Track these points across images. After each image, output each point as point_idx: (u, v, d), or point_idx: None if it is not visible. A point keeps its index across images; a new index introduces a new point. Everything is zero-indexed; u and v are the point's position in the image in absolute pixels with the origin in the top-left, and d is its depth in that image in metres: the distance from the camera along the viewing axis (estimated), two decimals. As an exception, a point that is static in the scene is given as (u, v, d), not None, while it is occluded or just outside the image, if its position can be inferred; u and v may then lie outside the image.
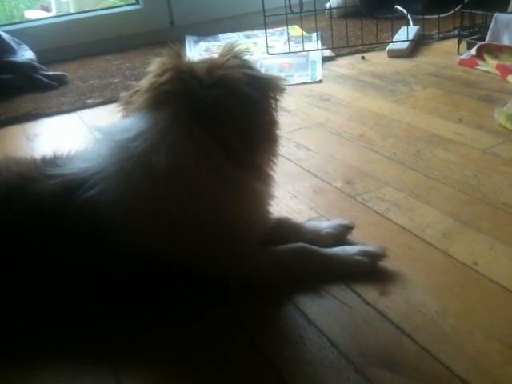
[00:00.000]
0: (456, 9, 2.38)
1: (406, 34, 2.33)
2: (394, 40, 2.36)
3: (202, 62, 0.95)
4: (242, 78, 0.90)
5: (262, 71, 0.99)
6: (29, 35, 2.64)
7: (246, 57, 0.96)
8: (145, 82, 0.93)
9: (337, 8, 2.86)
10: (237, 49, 0.95)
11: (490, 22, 2.07)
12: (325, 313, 0.89)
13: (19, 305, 0.94)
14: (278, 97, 0.96)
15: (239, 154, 0.91)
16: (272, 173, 0.99)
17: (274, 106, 0.96)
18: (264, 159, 0.97)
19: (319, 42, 2.49)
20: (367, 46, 2.42)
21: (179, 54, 0.94)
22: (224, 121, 0.90)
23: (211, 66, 0.91)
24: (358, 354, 0.80)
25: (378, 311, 0.88)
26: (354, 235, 1.07)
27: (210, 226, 0.91)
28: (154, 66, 0.93)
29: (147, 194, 0.88)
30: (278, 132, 0.98)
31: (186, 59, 0.95)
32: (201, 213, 0.90)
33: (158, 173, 0.85)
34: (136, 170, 0.87)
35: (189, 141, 0.87)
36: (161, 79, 0.90)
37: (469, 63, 2.04)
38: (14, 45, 2.47)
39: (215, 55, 0.98)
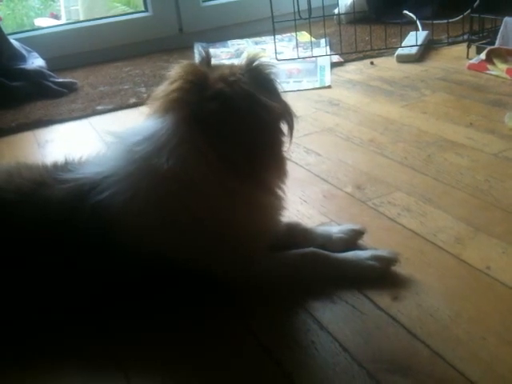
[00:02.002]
0: (465, 13, 2.37)
1: (414, 39, 2.33)
2: (402, 45, 2.35)
3: (219, 69, 0.95)
4: (242, 94, 0.90)
5: (279, 88, 0.98)
6: (39, 43, 2.66)
7: (266, 70, 0.95)
8: (160, 88, 0.95)
9: (345, 14, 2.85)
10: (255, 63, 0.95)
11: (500, 26, 2.07)
12: (337, 318, 0.88)
13: (30, 306, 0.95)
14: (284, 120, 0.97)
15: (238, 165, 0.92)
16: (280, 186, 0.99)
17: (277, 127, 0.96)
18: (269, 174, 0.97)
19: (328, 47, 2.49)
20: (376, 52, 2.41)
21: (201, 60, 0.97)
22: (221, 133, 0.91)
23: (219, 77, 0.92)
24: (371, 360, 0.80)
25: (391, 316, 0.87)
26: (365, 240, 1.07)
27: (215, 230, 0.92)
28: (172, 72, 0.94)
29: (154, 197, 0.90)
30: (281, 152, 0.98)
31: (204, 67, 0.95)
32: (205, 215, 0.91)
33: (161, 176, 0.87)
34: (143, 174, 0.89)
35: (189, 147, 0.89)
36: (171, 87, 0.92)
37: (478, 68, 2.04)
38: (24, 52, 2.49)
39: (235, 63, 0.99)
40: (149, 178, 0.89)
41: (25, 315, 0.95)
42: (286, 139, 0.99)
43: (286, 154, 1.00)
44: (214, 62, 0.98)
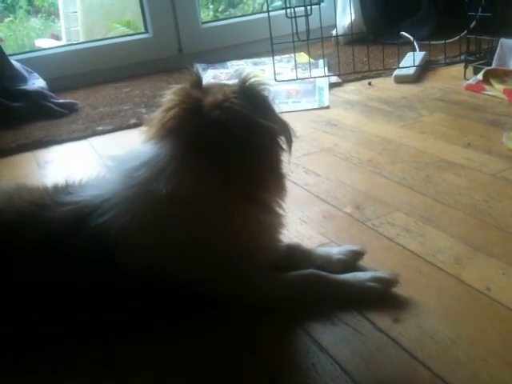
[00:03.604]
0: (462, 34, 2.39)
1: (412, 59, 2.35)
2: (400, 66, 2.37)
3: (212, 92, 0.96)
4: (239, 119, 0.91)
5: (275, 107, 0.99)
6: (39, 64, 2.69)
7: (259, 89, 0.96)
8: (156, 115, 0.96)
9: (343, 35, 2.89)
10: (247, 83, 0.95)
11: (496, 47, 2.09)
12: (337, 340, 0.88)
13: (31, 321, 0.95)
14: (280, 139, 0.98)
15: (238, 187, 0.93)
16: (279, 204, 1.00)
17: (276, 145, 0.97)
18: (268, 193, 0.98)
19: (326, 68, 2.51)
20: (374, 72, 2.44)
21: (192, 84, 0.97)
22: (220, 158, 0.92)
23: (214, 103, 0.92)
24: (372, 382, 0.79)
25: (391, 338, 0.87)
26: (364, 260, 1.07)
27: (214, 249, 0.92)
28: (166, 98, 0.95)
29: (154, 218, 0.91)
30: (280, 170, 0.99)
31: (196, 91, 0.96)
32: (204, 235, 0.92)
33: (160, 199, 0.88)
34: (142, 198, 0.90)
35: (188, 172, 0.90)
36: (167, 115, 0.93)
37: (475, 88, 2.06)
38: (25, 73, 2.50)
39: (229, 83, 1.00)
40: (148, 201, 0.90)
41: (24, 329, 0.96)
42: (284, 156, 1.00)
43: (284, 171, 1.00)
44: (204, 81, 0.99)
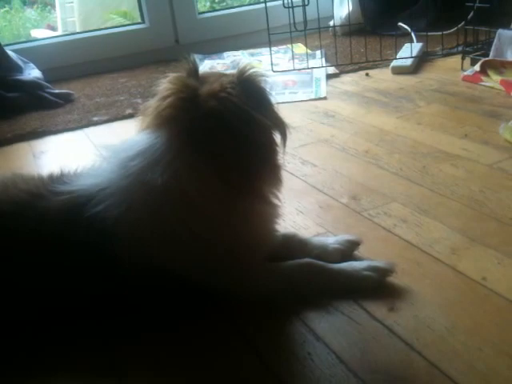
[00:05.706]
0: (459, 25, 2.39)
1: (409, 50, 2.34)
2: (397, 57, 2.37)
3: (209, 81, 0.95)
4: (234, 111, 0.90)
5: (271, 98, 0.98)
6: (35, 54, 2.68)
7: (257, 81, 0.95)
8: (152, 103, 0.95)
9: (340, 26, 2.88)
10: (246, 74, 0.94)
11: (494, 38, 2.08)
12: (333, 329, 0.88)
13: (26, 317, 0.94)
14: (277, 130, 0.97)
15: (233, 179, 0.93)
16: (275, 195, 1.00)
17: (271, 138, 0.96)
18: (264, 184, 0.97)
19: (323, 59, 2.51)
20: (371, 63, 2.43)
21: (188, 73, 0.96)
22: (215, 149, 0.91)
23: (210, 92, 0.91)
24: (368, 371, 0.79)
25: (387, 327, 0.87)
26: (361, 251, 1.07)
27: (210, 242, 0.92)
28: (162, 87, 0.95)
29: (149, 210, 0.90)
30: (276, 161, 0.98)
31: (193, 80, 0.95)
32: (200, 228, 0.91)
33: (155, 190, 0.87)
34: (137, 188, 0.89)
35: (183, 162, 0.89)
36: (163, 104, 0.92)
37: (473, 79, 2.05)
38: (20, 63, 2.49)
39: (227, 73, 1.00)
40: (143, 191, 0.89)
41: (21, 323, 0.95)
42: (280, 148, 0.99)
43: (280, 162, 0.99)
44: (201, 70, 0.99)
